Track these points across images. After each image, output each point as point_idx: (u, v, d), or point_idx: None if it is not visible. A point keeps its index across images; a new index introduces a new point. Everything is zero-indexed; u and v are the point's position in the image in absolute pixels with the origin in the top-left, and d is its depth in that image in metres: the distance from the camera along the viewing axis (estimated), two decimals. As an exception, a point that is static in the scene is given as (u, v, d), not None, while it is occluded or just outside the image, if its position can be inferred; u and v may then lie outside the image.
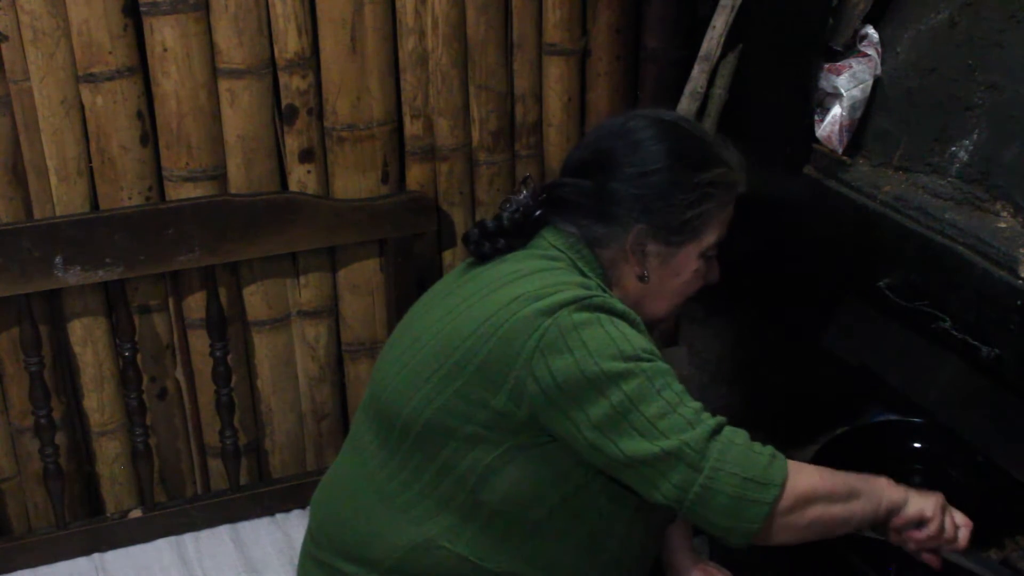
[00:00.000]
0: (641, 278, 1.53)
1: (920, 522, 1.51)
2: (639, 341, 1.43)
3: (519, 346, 1.39)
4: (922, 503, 1.50)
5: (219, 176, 2.05)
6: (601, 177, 1.51)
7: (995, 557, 2.00)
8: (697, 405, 1.42)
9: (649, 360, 1.41)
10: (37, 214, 1.96)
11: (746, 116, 2.16)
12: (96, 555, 2.08)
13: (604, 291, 1.50)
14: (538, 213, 1.54)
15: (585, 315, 1.40)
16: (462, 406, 1.43)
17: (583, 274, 1.50)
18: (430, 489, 1.48)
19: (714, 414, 1.43)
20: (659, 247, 1.52)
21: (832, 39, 1.95)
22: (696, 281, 1.58)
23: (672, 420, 1.38)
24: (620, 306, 1.46)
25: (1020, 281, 1.56)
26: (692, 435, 1.37)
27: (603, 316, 1.42)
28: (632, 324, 1.45)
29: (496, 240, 1.53)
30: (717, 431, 1.39)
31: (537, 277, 1.46)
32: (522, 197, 1.57)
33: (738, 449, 1.39)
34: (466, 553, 1.47)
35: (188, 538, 2.13)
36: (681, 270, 1.55)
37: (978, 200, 1.70)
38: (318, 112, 2.08)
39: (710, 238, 1.54)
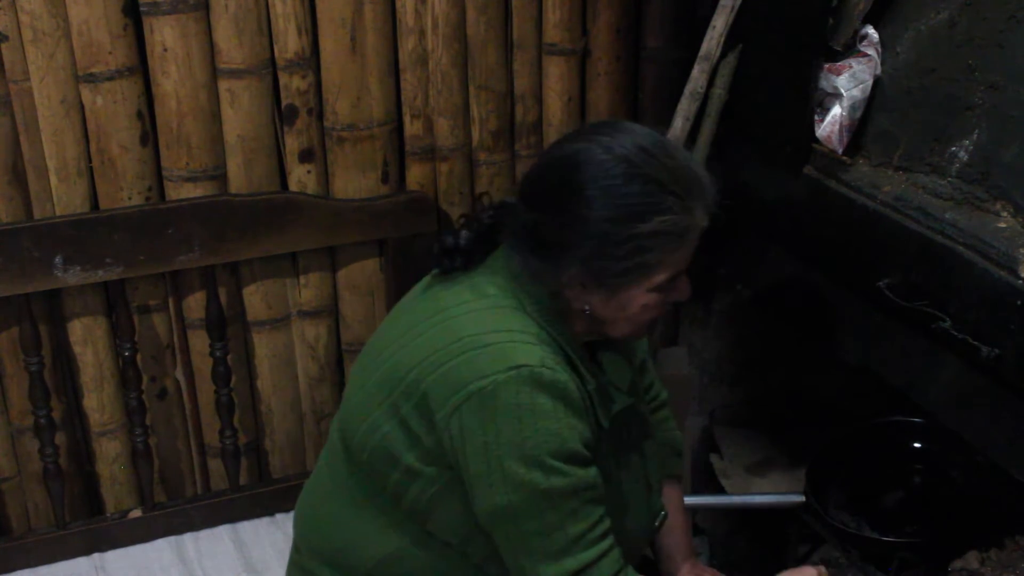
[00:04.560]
0: (584, 311, 1.46)
1: None
2: (557, 440, 1.36)
3: (448, 395, 1.37)
4: None
5: (219, 176, 2.04)
6: (538, 213, 1.43)
7: (994, 558, 2.00)
8: (577, 532, 1.38)
9: (555, 471, 1.36)
10: (37, 214, 1.96)
11: (746, 116, 2.16)
12: (96, 555, 2.08)
13: (550, 335, 1.43)
14: (489, 234, 1.50)
15: (513, 396, 1.35)
16: (403, 436, 1.43)
17: (529, 312, 1.44)
18: (391, 508, 1.48)
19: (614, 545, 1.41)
20: (597, 289, 1.43)
21: (832, 39, 1.95)
22: (655, 308, 1.47)
23: (542, 544, 1.37)
24: (562, 379, 1.38)
25: (1020, 281, 1.56)
26: (551, 568, 1.37)
27: (538, 399, 1.35)
28: (568, 404, 1.38)
29: (454, 258, 1.49)
30: (582, 570, 1.38)
31: (485, 316, 1.42)
32: (478, 217, 1.52)
33: None
34: (437, 562, 1.48)
35: (188, 538, 2.13)
36: (628, 305, 1.45)
37: (978, 200, 1.70)
38: (318, 112, 2.08)
39: (659, 278, 1.42)
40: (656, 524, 1.63)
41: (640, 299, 1.44)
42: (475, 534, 1.44)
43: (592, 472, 1.40)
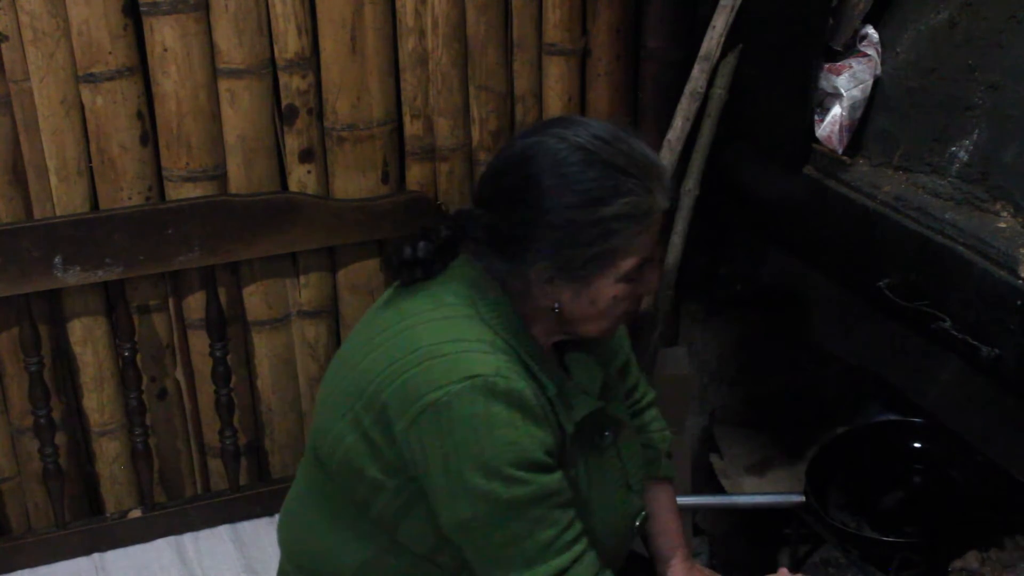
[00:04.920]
0: (553, 309, 1.44)
1: None
2: (515, 449, 1.35)
3: (406, 407, 1.36)
4: None
5: (219, 176, 2.04)
6: (497, 213, 1.42)
7: (994, 558, 2.00)
8: (547, 538, 1.37)
9: (515, 480, 1.35)
10: (37, 214, 1.96)
11: (746, 116, 2.16)
12: (96, 555, 2.08)
13: (507, 342, 1.41)
14: (449, 244, 1.47)
15: (469, 406, 1.33)
16: (366, 448, 1.42)
17: (486, 320, 1.42)
18: (362, 517, 1.48)
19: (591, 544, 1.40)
20: (566, 283, 1.42)
21: (832, 39, 1.95)
22: (625, 301, 1.45)
23: (511, 553, 1.36)
24: (518, 388, 1.36)
25: (1020, 281, 1.56)
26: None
27: (493, 409, 1.34)
28: (526, 412, 1.36)
29: (413, 269, 1.48)
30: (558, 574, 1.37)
31: (442, 326, 1.40)
32: (435, 227, 1.50)
33: None
34: (411, 570, 1.47)
35: (188, 538, 2.13)
36: (598, 299, 1.43)
37: (978, 200, 1.70)
38: (318, 112, 2.08)
39: (626, 264, 1.41)
40: (636, 524, 1.61)
41: (610, 290, 1.42)
42: (444, 544, 1.43)
43: (557, 477, 1.39)
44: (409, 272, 1.47)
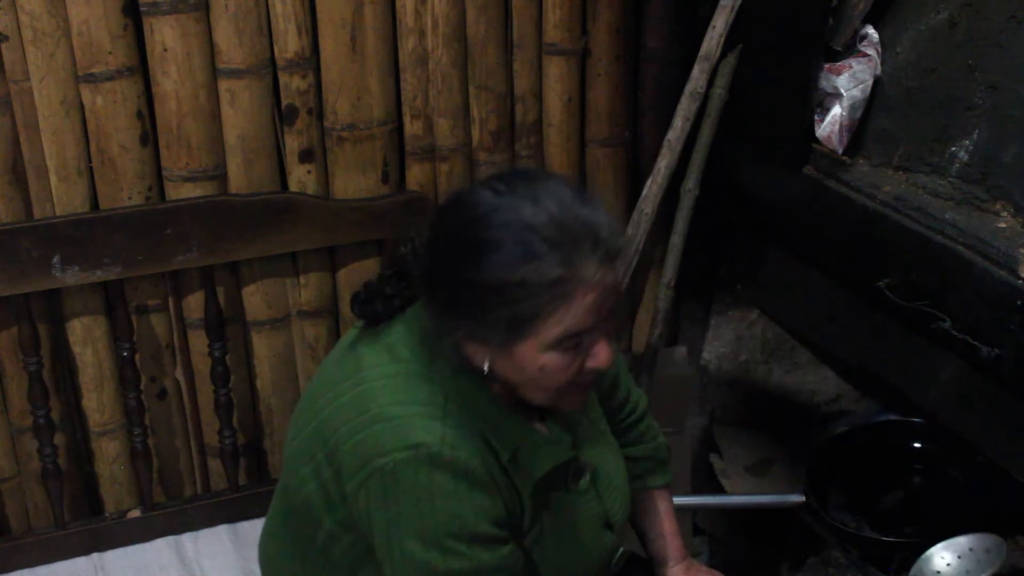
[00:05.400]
0: (482, 371, 1.37)
1: None
2: (456, 521, 1.34)
3: (355, 470, 1.36)
4: None
5: (219, 176, 2.04)
6: (431, 263, 1.37)
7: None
8: None
9: (453, 552, 1.34)
10: (37, 214, 1.96)
11: (746, 116, 2.17)
12: (95, 555, 2.08)
13: (458, 404, 1.38)
14: (409, 284, 1.44)
15: (412, 476, 1.32)
16: (324, 500, 1.42)
17: (438, 380, 1.39)
18: (323, 558, 1.47)
19: None
20: (485, 348, 1.35)
21: (832, 39, 1.95)
22: (562, 371, 1.35)
23: None
24: (463, 458, 1.33)
25: (1020, 281, 1.56)
26: None
27: (436, 479, 1.32)
28: (472, 482, 1.34)
29: (375, 307, 1.46)
30: None
31: (396, 384, 1.39)
32: (397, 264, 1.47)
33: None
34: None
35: (187, 538, 2.12)
36: (526, 366, 1.34)
37: (978, 200, 1.70)
38: (318, 112, 2.08)
39: (550, 333, 1.31)
40: (614, 562, 1.57)
41: (535, 359, 1.34)
42: None
43: (501, 553, 1.37)
44: (372, 311, 1.46)
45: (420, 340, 1.41)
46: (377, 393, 1.39)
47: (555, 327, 1.31)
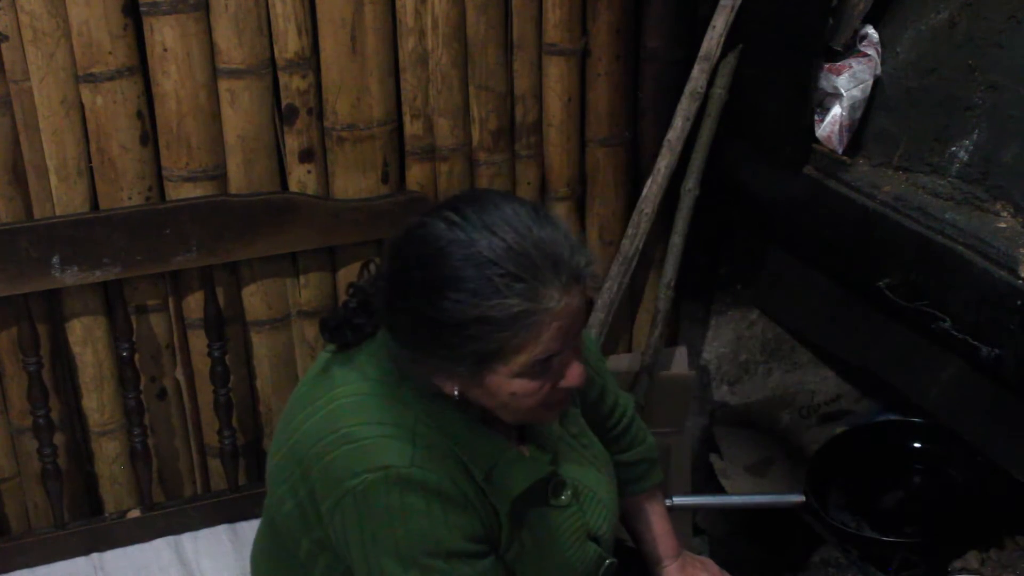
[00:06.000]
0: (454, 396, 1.36)
1: None
2: (431, 540, 1.34)
3: (328, 491, 1.36)
4: None
5: (219, 176, 2.04)
6: (377, 304, 1.37)
7: (994, 558, 2.00)
8: None
9: (431, 570, 1.34)
10: (37, 214, 1.96)
11: (746, 116, 2.17)
12: (95, 555, 2.08)
13: (428, 425, 1.37)
14: (368, 320, 1.42)
15: (383, 497, 1.32)
16: (301, 520, 1.42)
17: (408, 400, 1.38)
18: (307, 573, 1.47)
19: None
20: (454, 378, 1.34)
21: (832, 39, 1.95)
22: (535, 394, 1.33)
23: None
24: (433, 479, 1.33)
25: (1020, 281, 1.56)
26: None
27: (408, 500, 1.32)
28: (445, 501, 1.33)
29: (344, 333, 1.45)
30: None
31: (366, 404, 1.38)
32: (363, 289, 1.46)
33: None
34: None
35: (186, 538, 2.12)
36: (496, 393, 1.33)
37: (978, 200, 1.70)
38: (318, 112, 2.08)
39: (519, 361, 1.29)
40: (600, 574, 1.55)
41: (506, 386, 1.32)
42: None
43: (482, 566, 1.37)
44: (342, 337, 1.45)
45: (391, 361, 1.40)
46: (346, 413, 1.38)
47: (523, 356, 1.29)
